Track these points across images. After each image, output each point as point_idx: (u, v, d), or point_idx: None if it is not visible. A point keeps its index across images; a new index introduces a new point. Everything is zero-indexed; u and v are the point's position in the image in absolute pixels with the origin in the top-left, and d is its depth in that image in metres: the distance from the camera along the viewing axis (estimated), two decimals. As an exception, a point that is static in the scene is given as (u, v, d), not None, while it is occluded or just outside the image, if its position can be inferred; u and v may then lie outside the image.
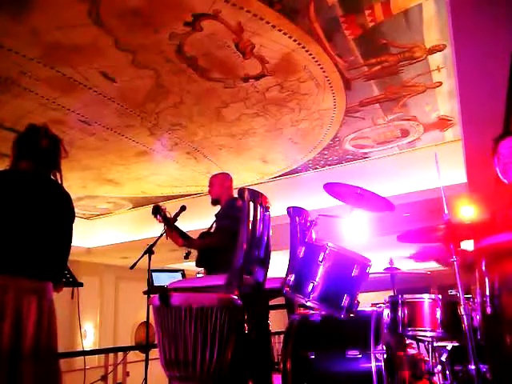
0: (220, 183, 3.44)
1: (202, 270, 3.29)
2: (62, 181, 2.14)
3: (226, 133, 5.26)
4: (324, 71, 4.05)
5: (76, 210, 2.22)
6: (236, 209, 3.26)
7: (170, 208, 3.20)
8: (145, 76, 4.01)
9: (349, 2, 3.21)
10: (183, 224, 3.49)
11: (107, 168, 6.21)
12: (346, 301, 2.07)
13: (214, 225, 3.29)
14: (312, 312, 2.35)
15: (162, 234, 3.30)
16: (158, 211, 3.22)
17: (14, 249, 1.90)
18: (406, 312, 2.38)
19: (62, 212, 2.07)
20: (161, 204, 3.30)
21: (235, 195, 3.42)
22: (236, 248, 3.07)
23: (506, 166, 2.13)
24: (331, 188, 2.47)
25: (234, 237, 3.11)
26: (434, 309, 2.32)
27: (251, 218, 2.54)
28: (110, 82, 4.05)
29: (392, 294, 3.30)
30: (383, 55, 3.86)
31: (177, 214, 3.43)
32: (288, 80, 4.18)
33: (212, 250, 3.15)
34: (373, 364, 1.98)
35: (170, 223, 3.23)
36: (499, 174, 2.18)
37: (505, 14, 2.67)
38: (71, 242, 2.11)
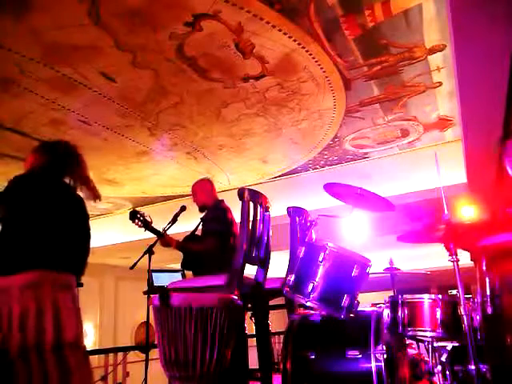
0: (201, 189, 3.48)
1: None
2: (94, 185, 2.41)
3: (225, 133, 5.26)
4: (324, 71, 4.05)
5: None
6: (221, 210, 3.28)
7: (170, 208, 3.21)
8: (145, 76, 4.01)
9: (349, 2, 3.21)
10: (183, 224, 3.50)
11: (107, 168, 6.21)
12: (346, 301, 2.07)
13: (201, 228, 3.31)
14: (312, 312, 2.35)
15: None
16: (135, 216, 3.24)
17: (48, 245, 2.04)
18: (406, 312, 2.38)
19: (82, 213, 2.28)
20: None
21: (221, 198, 3.46)
22: (225, 249, 3.09)
23: None
24: (331, 188, 2.47)
25: (220, 239, 3.13)
26: (433, 309, 2.31)
27: (251, 218, 2.54)
28: (110, 82, 4.05)
29: (392, 294, 3.30)
30: (383, 55, 3.85)
31: (177, 214, 3.44)
32: (288, 80, 4.18)
33: (197, 252, 3.17)
34: (373, 364, 1.98)
35: (149, 227, 3.24)
36: (510, 171, 2.15)
37: (505, 14, 2.66)
38: (90, 238, 2.29)
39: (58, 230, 2.10)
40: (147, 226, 3.25)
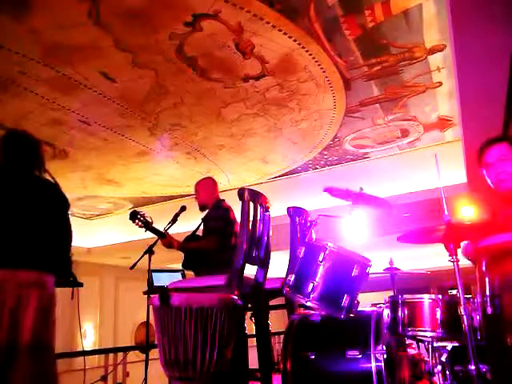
0: (203, 188, 3.47)
1: None
2: (53, 178, 2.18)
3: (226, 133, 5.26)
4: (324, 71, 4.05)
5: (76, 209, 2.31)
6: (221, 209, 3.28)
7: (170, 208, 3.21)
8: (145, 76, 4.01)
9: (349, 2, 3.21)
10: (183, 224, 3.50)
11: (107, 168, 6.21)
12: (346, 301, 2.07)
13: (202, 228, 3.31)
14: (312, 312, 2.35)
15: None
16: (135, 216, 3.24)
17: (9, 242, 1.93)
18: (406, 312, 2.37)
19: (53, 204, 2.11)
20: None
21: (222, 197, 3.46)
22: (226, 248, 3.09)
23: (498, 176, 2.12)
24: (331, 192, 2.48)
25: (222, 237, 3.13)
26: (434, 309, 2.31)
27: (251, 218, 2.54)
28: (110, 82, 4.05)
29: (392, 294, 3.30)
30: (383, 55, 3.86)
31: (177, 215, 3.44)
32: (288, 80, 4.18)
33: (199, 251, 3.17)
34: (373, 364, 1.98)
35: (150, 227, 3.24)
36: (491, 185, 2.16)
37: (505, 14, 2.67)
38: (68, 230, 2.14)
39: (17, 225, 1.97)
40: (148, 226, 3.25)
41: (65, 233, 2.14)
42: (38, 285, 1.94)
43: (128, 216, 3.26)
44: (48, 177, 2.18)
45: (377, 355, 1.98)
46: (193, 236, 3.36)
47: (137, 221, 3.23)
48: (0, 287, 1.84)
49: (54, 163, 5.56)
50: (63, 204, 2.17)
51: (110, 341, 9.56)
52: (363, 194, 2.38)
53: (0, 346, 1.79)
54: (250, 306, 2.73)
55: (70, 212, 2.23)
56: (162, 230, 3.26)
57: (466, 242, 2.13)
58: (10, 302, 1.84)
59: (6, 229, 1.95)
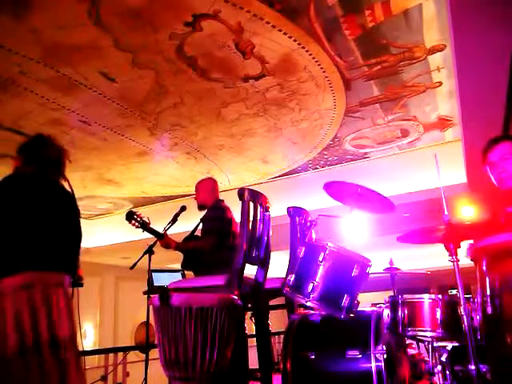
0: (202, 188, 3.48)
1: None
2: (70, 185, 2.34)
3: (225, 133, 5.26)
4: (324, 71, 4.05)
5: None
6: (219, 209, 3.28)
7: (170, 208, 3.21)
8: (145, 76, 4.01)
9: (349, 2, 3.21)
10: (183, 224, 3.50)
11: (107, 168, 6.21)
12: (346, 301, 2.07)
13: (201, 228, 3.31)
14: (312, 312, 2.35)
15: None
16: (131, 217, 3.23)
17: (37, 246, 2.03)
18: (406, 312, 2.38)
19: (70, 210, 2.25)
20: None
21: (221, 197, 3.46)
22: (224, 248, 3.10)
23: (501, 175, 2.15)
24: (331, 187, 2.47)
25: (219, 237, 3.13)
26: (434, 309, 2.31)
27: (251, 218, 2.54)
28: (110, 82, 4.05)
29: (392, 294, 3.30)
30: (383, 55, 3.85)
31: (177, 215, 3.44)
32: (288, 80, 4.18)
33: (198, 251, 3.17)
34: (373, 364, 1.98)
35: (148, 228, 3.24)
36: (495, 183, 2.20)
37: (505, 14, 2.67)
38: (81, 236, 2.27)
39: (47, 230, 2.09)
40: (145, 226, 3.25)
41: (78, 238, 2.26)
42: (62, 285, 2.06)
43: (124, 217, 3.26)
44: (66, 185, 2.32)
45: (377, 355, 1.98)
46: (191, 236, 3.36)
47: (133, 221, 3.23)
48: (31, 287, 1.93)
49: (53, 163, 5.55)
50: (78, 212, 2.32)
51: (110, 341, 9.56)
52: (363, 192, 2.38)
53: (43, 341, 1.89)
54: (249, 305, 2.73)
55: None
56: (160, 230, 3.26)
57: (470, 242, 2.14)
58: (41, 302, 1.93)
59: (34, 234, 2.05)
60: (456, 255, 2.11)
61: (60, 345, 1.93)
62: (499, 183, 2.18)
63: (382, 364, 1.96)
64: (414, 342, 3.19)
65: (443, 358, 2.34)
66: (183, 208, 3.45)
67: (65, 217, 2.20)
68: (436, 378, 2.36)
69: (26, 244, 2.02)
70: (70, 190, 2.30)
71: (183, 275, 3.98)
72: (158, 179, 6.74)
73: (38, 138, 2.41)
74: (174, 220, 3.41)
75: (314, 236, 2.34)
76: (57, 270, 2.06)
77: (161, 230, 3.26)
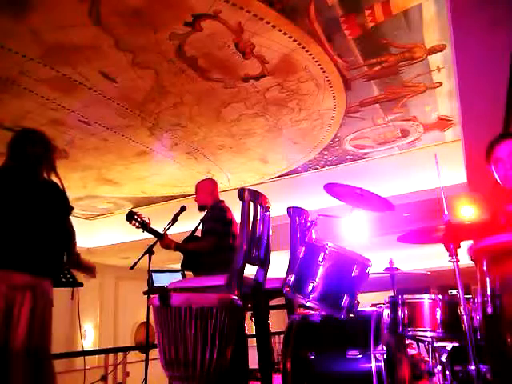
0: (202, 189, 3.48)
1: None
2: (61, 183, 2.17)
3: (225, 133, 5.26)
4: (324, 71, 4.05)
5: (76, 210, 2.29)
6: (219, 209, 3.28)
7: (170, 208, 3.21)
8: (145, 76, 4.01)
9: (349, 2, 3.21)
10: (183, 224, 3.50)
11: (107, 168, 6.21)
12: (346, 301, 2.07)
13: (201, 229, 3.31)
14: (312, 312, 2.35)
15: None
16: (131, 217, 3.23)
17: (4, 244, 1.91)
18: (406, 312, 2.37)
19: (52, 206, 2.09)
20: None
21: (222, 198, 3.47)
22: (223, 248, 3.10)
23: (508, 173, 2.06)
24: (331, 188, 2.47)
25: (219, 238, 3.14)
26: (434, 309, 2.31)
27: (251, 218, 2.54)
28: (110, 82, 4.05)
29: (392, 294, 3.30)
30: (383, 55, 3.86)
31: (177, 215, 3.44)
32: (288, 80, 4.18)
33: (198, 252, 3.17)
34: (373, 364, 1.98)
35: (148, 228, 3.24)
36: (499, 181, 2.12)
37: (505, 14, 2.66)
38: (69, 235, 2.13)
39: (21, 229, 1.95)
40: (145, 227, 3.25)
41: (62, 238, 2.12)
42: (32, 288, 1.91)
43: (125, 217, 3.26)
44: (56, 179, 2.16)
45: (377, 355, 1.98)
46: (191, 237, 3.36)
47: (133, 221, 3.23)
48: None
49: (53, 163, 5.55)
50: (64, 209, 2.15)
51: (110, 341, 9.56)
52: (363, 193, 2.38)
53: None
54: (250, 305, 2.73)
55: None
56: (160, 230, 3.26)
57: (471, 242, 2.12)
58: (1, 304, 1.82)
59: (3, 230, 1.93)
60: (456, 255, 2.10)
61: (11, 353, 1.79)
62: (505, 181, 2.09)
63: (382, 364, 1.96)
64: (414, 342, 3.19)
65: (443, 358, 2.33)
66: (183, 208, 3.45)
67: (46, 216, 2.04)
68: (436, 378, 2.36)
69: None
70: (60, 186, 2.14)
71: (183, 275, 3.98)
72: (158, 179, 6.75)
73: (21, 134, 2.27)
74: (174, 220, 3.41)
75: (313, 236, 2.34)
76: (28, 271, 1.91)
77: (161, 230, 3.26)
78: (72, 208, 2.21)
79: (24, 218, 1.98)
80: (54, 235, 2.07)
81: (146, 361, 3.76)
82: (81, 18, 3.23)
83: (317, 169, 6.49)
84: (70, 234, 2.17)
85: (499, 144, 2.12)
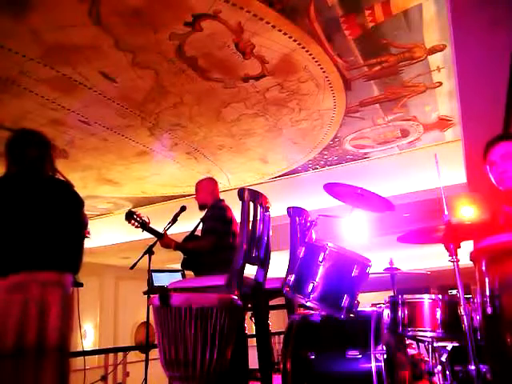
0: (202, 188, 3.48)
1: None
2: (63, 176, 2.22)
3: (226, 133, 5.26)
4: (324, 71, 4.05)
5: None
6: (219, 208, 3.29)
7: (171, 208, 3.21)
8: (145, 76, 4.01)
9: (349, 2, 3.21)
10: (183, 224, 3.50)
11: (107, 168, 6.21)
12: (346, 301, 2.07)
13: (201, 228, 3.31)
14: (312, 312, 2.35)
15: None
16: (131, 217, 3.24)
17: (28, 246, 1.96)
18: (406, 312, 2.38)
19: (65, 202, 2.13)
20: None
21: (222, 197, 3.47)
22: (224, 248, 3.10)
23: (502, 175, 2.08)
24: (331, 188, 2.47)
25: (219, 237, 3.14)
26: (434, 309, 2.31)
27: (251, 218, 2.55)
28: (110, 82, 4.05)
29: (392, 294, 3.30)
30: (383, 55, 3.85)
31: (177, 215, 3.44)
32: (288, 80, 4.18)
33: (198, 251, 3.17)
34: (373, 364, 1.98)
35: (147, 228, 3.24)
36: (494, 183, 2.14)
37: (505, 14, 2.67)
38: (82, 228, 2.17)
39: (36, 228, 1.99)
40: (145, 226, 3.25)
41: (79, 232, 2.16)
42: (60, 285, 1.98)
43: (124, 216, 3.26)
44: (60, 176, 2.20)
45: (377, 355, 1.98)
46: (191, 236, 3.36)
47: (133, 221, 3.24)
48: (24, 289, 1.87)
49: (54, 163, 5.55)
50: (77, 203, 2.18)
51: (110, 341, 9.56)
52: (363, 193, 2.38)
53: (30, 346, 1.82)
54: (250, 305, 2.73)
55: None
56: (160, 230, 3.26)
57: (473, 246, 2.12)
58: (34, 303, 1.87)
59: (24, 232, 1.98)
60: (456, 255, 2.10)
61: (46, 349, 1.85)
62: (499, 183, 2.12)
63: (382, 364, 1.96)
64: (414, 342, 3.19)
65: (443, 358, 2.33)
66: (183, 208, 3.45)
67: (60, 212, 2.08)
68: (436, 378, 2.36)
69: (17, 245, 1.94)
70: (66, 182, 2.18)
71: (183, 275, 3.99)
72: (158, 179, 6.75)
73: (20, 136, 2.25)
74: (174, 220, 3.41)
75: (313, 236, 2.34)
76: (53, 268, 1.98)
77: (161, 230, 3.26)
78: (83, 201, 2.24)
79: (40, 218, 2.02)
80: (70, 230, 2.11)
81: (146, 361, 3.76)
82: (81, 18, 3.23)
83: (317, 169, 6.49)
84: (85, 226, 2.21)
85: (493, 147, 2.13)
